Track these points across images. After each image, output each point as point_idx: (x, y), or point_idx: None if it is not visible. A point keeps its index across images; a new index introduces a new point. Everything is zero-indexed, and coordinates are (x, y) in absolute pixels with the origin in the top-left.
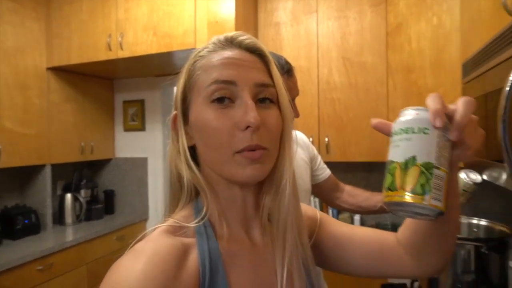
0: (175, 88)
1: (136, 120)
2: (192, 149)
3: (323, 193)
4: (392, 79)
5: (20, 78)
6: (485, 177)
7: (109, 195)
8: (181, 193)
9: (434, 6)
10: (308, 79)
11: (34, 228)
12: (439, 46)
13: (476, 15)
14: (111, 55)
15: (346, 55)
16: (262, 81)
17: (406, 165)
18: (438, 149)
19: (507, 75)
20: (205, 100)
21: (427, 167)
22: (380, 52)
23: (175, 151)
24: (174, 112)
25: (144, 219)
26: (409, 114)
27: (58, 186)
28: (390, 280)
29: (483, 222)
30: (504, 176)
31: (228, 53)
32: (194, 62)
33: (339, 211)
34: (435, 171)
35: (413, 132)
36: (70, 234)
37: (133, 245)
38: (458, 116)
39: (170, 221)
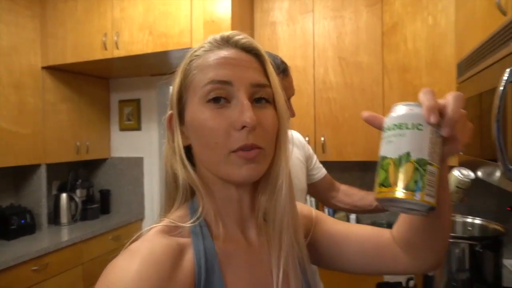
0: (171, 88)
1: (132, 119)
2: (188, 149)
3: (319, 193)
4: (388, 79)
5: (14, 77)
6: (479, 175)
7: (105, 195)
8: (176, 193)
9: (430, 6)
10: (304, 79)
11: (29, 228)
12: (434, 46)
13: (470, 15)
14: (107, 55)
15: (342, 54)
16: (258, 81)
17: (400, 161)
18: (431, 145)
19: (501, 75)
20: (201, 100)
21: (421, 164)
22: (375, 52)
23: (171, 151)
24: (169, 112)
25: (140, 218)
26: (402, 110)
27: (54, 186)
28: (386, 279)
29: (477, 221)
30: (498, 175)
31: (224, 52)
32: (190, 61)
33: (335, 210)
34: (429, 167)
35: (407, 128)
36: (65, 234)
37: (129, 245)
38: (449, 112)
39: (166, 221)
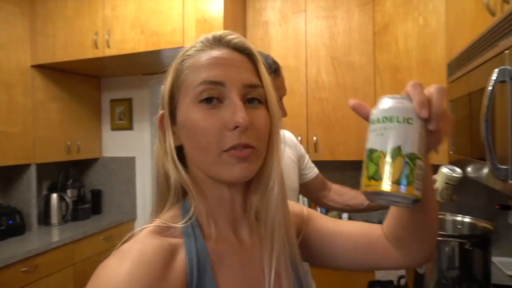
0: (162, 87)
1: (124, 119)
2: (179, 149)
3: (311, 192)
4: (380, 79)
5: (3, 75)
6: (469, 174)
7: (96, 195)
8: (168, 194)
9: (420, 6)
10: (297, 79)
11: (18, 229)
12: (425, 46)
13: (460, 16)
14: (98, 53)
15: (334, 54)
16: (250, 82)
17: (391, 155)
18: (420, 139)
19: (490, 75)
20: (193, 100)
21: (411, 158)
22: (367, 51)
23: (162, 151)
24: (161, 112)
25: (132, 219)
26: (391, 102)
27: (44, 186)
28: (377, 277)
29: (467, 219)
30: (486, 174)
31: (216, 52)
32: (182, 61)
33: (327, 209)
34: (418, 161)
35: (398, 121)
36: (56, 235)
37: (120, 245)
38: (436, 106)
39: (157, 222)
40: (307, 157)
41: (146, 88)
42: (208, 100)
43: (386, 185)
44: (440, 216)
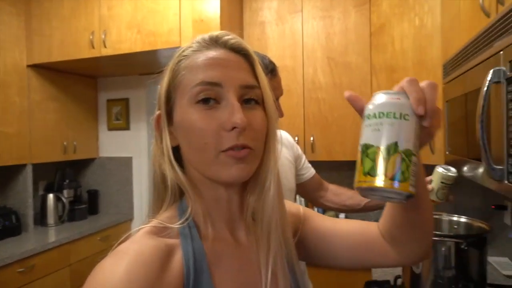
0: (159, 87)
1: (121, 119)
2: (176, 149)
3: (308, 192)
4: (376, 79)
5: None
6: (464, 174)
7: (93, 195)
8: (165, 194)
9: (416, 7)
10: (294, 79)
11: (14, 229)
12: (421, 47)
13: (455, 17)
14: (94, 53)
15: (330, 55)
16: (247, 83)
17: (387, 151)
18: (415, 135)
19: (485, 76)
20: (191, 101)
21: (407, 154)
22: (364, 52)
23: (159, 152)
24: (157, 112)
25: (129, 219)
26: (387, 98)
27: (40, 186)
28: (374, 277)
29: (463, 219)
30: (481, 174)
31: (213, 53)
32: (179, 61)
33: (324, 209)
34: (413, 158)
35: (395, 117)
36: (52, 235)
37: (117, 246)
38: (430, 102)
39: (154, 222)
40: (303, 157)
41: (142, 88)
42: (205, 101)
43: (382, 181)
44: (436, 216)
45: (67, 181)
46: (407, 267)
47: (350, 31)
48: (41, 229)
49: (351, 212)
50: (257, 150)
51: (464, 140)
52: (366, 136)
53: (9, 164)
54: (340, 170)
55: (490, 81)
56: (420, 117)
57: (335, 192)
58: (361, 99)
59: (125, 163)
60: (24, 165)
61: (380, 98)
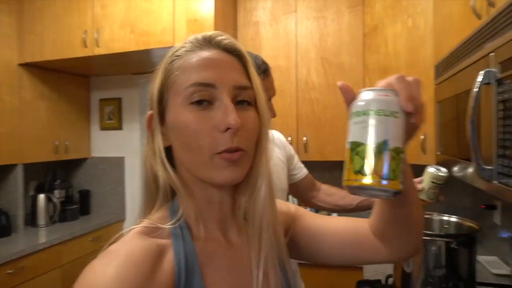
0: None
1: (113, 118)
2: (168, 150)
3: (300, 193)
4: (369, 80)
5: None
6: (455, 174)
7: (85, 196)
8: (156, 195)
9: (409, 8)
10: (287, 79)
11: (4, 230)
12: (413, 48)
13: (447, 18)
14: (87, 52)
15: (324, 55)
16: (241, 84)
17: (378, 149)
18: (403, 132)
19: (476, 77)
20: (184, 101)
21: (397, 152)
22: (357, 53)
23: (151, 152)
24: (149, 112)
25: (121, 219)
26: (377, 95)
27: (31, 186)
28: (366, 277)
29: (453, 219)
30: (472, 174)
31: (206, 53)
32: (172, 61)
33: (317, 210)
34: (401, 155)
35: (385, 115)
36: (43, 236)
37: (107, 247)
38: (418, 99)
39: (145, 223)
40: (296, 157)
41: (135, 87)
42: (199, 102)
43: (373, 180)
44: (427, 216)
45: (58, 181)
46: (398, 266)
47: (344, 32)
48: (32, 229)
49: (343, 212)
50: (249, 152)
51: (455, 140)
52: (355, 134)
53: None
54: (332, 170)
55: (480, 82)
56: (408, 114)
57: (327, 192)
58: (353, 91)
59: (118, 163)
60: (14, 165)
61: (368, 95)
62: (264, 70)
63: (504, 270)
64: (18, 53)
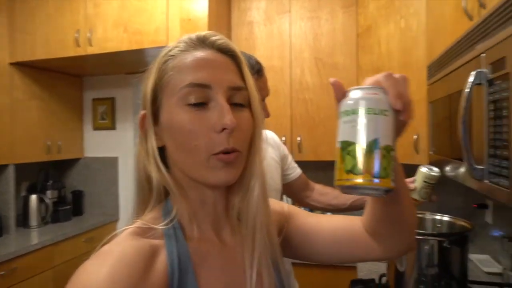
0: (143, 87)
1: (106, 118)
2: (161, 150)
3: (294, 193)
4: (363, 80)
5: None
6: (447, 174)
7: (78, 196)
8: (150, 195)
9: (402, 9)
10: (281, 79)
11: None
12: (406, 48)
13: (440, 19)
14: (80, 51)
15: (318, 55)
16: (235, 84)
17: (369, 148)
18: (393, 130)
19: (467, 77)
20: (179, 102)
21: (388, 150)
22: (351, 53)
23: (144, 152)
24: (142, 112)
25: (114, 220)
26: (366, 94)
27: (22, 187)
28: (359, 276)
29: (446, 218)
30: (463, 173)
31: (201, 53)
32: (166, 61)
33: (311, 209)
34: (392, 153)
35: (375, 113)
36: (35, 237)
37: (100, 247)
38: (406, 97)
39: (138, 223)
40: (290, 157)
41: (129, 87)
42: (195, 103)
43: (365, 179)
44: (420, 215)
45: (50, 181)
46: (391, 265)
47: (338, 32)
48: (23, 231)
49: (337, 211)
50: (243, 152)
51: (448, 140)
52: (345, 133)
53: None
54: (326, 170)
55: (472, 82)
56: (397, 111)
57: (321, 192)
58: (344, 89)
59: (111, 163)
60: (6, 166)
61: (356, 94)
62: (257, 70)
63: (495, 268)
64: (10, 52)
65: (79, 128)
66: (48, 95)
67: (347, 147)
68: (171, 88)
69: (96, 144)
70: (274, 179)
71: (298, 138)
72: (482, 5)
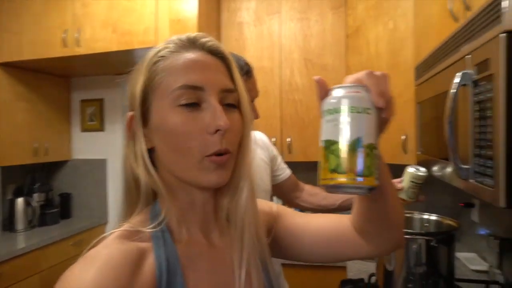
0: (129, 88)
1: (95, 120)
2: (148, 152)
3: (284, 193)
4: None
5: None
6: (434, 174)
7: (65, 199)
8: (137, 198)
9: (390, 11)
10: (271, 80)
11: None
12: (395, 49)
13: (427, 21)
14: (67, 52)
15: (307, 56)
16: (227, 86)
17: (352, 147)
18: (375, 128)
19: (454, 79)
20: (172, 103)
21: (371, 148)
22: (340, 54)
23: (132, 154)
24: (130, 113)
25: (103, 223)
26: (348, 92)
27: (8, 190)
28: (349, 276)
29: (433, 217)
30: (450, 173)
31: (192, 55)
32: (156, 62)
33: (301, 210)
34: (375, 151)
35: (357, 112)
36: (21, 241)
37: (87, 251)
38: (388, 94)
39: (126, 226)
40: (279, 158)
41: (118, 88)
42: (188, 104)
43: (349, 178)
44: (408, 215)
45: (37, 184)
46: (380, 265)
47: (327, 33)
48: (9, 235)
49: (326, 212)
50: (234, 153)
51: (435, 140)
52: (328, 132)
53: None
54: (316, 171)
55: (458, 83)
56: (379, 109)
57: (310, 193)
58: (327, 87)
59: (99, 165)
60: None
61: (339, 92)
62: (246, 71)
63: (482, 266)
64: None
65: (67, 130)
66: (35, 96)
67: (331, 146)
68: (163, 90)
69: (85, 146)
70: (263, 180)
71: (288, 139)
72: (467, 7)
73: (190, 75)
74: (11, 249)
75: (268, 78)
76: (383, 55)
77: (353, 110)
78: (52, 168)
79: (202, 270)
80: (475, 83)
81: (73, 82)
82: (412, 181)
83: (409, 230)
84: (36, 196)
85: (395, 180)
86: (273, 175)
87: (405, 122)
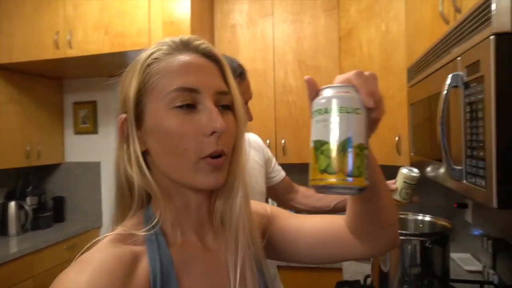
0: (120, 90)
1: (88, 122)
2: (142, 155)
3: (278, 195)
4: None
5: None
6: (428, 175)
7: (59, 202)
8: (131, 201)
9: (382, 13)
10: (264, 82)
11: None
12: (387, 52)
13: (418, 23)
14: (59, 54)
15: (301, 58)
16: (221, 89)
17: (342, 147)
18: (365, 128)
19: (445, 80)
20: (167, 106)
21: (361, 148)
22: (333, 56)
23: (126, 157)
24: (123, 116)
25: (97, 226)
26: (338, 93)
27: (1, 193)
28: (345, 278)
29: (427, 218)
30: (443, 174)
31: (186, 57)
32: (150, 64)
33: (296, 211)
34: (365, 151)
35: (347, 112)
36: (14, 246)
37: (80, 255)
38: (377, 94)
39: (119, 229)
40: (274, 160)
41: (111, 90)
42: (183, 106)
43: (339, 178)
44: (402, 216)
45: (30, 187)
46: (376, 266)
47: (320, 35)
48: (2, 239)
49: (322, 213)
50: (229, 155)
51: (428, 142)
52: (318, 132)
53: None
54: None
55: (449, 85)
56: (369, 109)
57: (305, 194)
58: (317, 87)
59: (93, 168)
60: None
61: (328, 92)
62: (240, 73)
63: (476, 266)
64: None
65: (59, 133)
66: (27, 99)
67: (321, 146)
68: (158, 92)
69: (78, 148)
70: (258, 182)
71: (282, 141)
72: (457, 10)
73: (185, 77)
74: (3, 253)
75: (261, 80)
76: (375, 57)
77: (342, 110)
78: (45, 171)
79: (197, 273)
80: (466, 85)
81: (65, 84)
82: (405, 182)
83: (403, 231)
84: (28, 199)
85: (390, 182)
86: (268, 177)
87: (398, 123)
